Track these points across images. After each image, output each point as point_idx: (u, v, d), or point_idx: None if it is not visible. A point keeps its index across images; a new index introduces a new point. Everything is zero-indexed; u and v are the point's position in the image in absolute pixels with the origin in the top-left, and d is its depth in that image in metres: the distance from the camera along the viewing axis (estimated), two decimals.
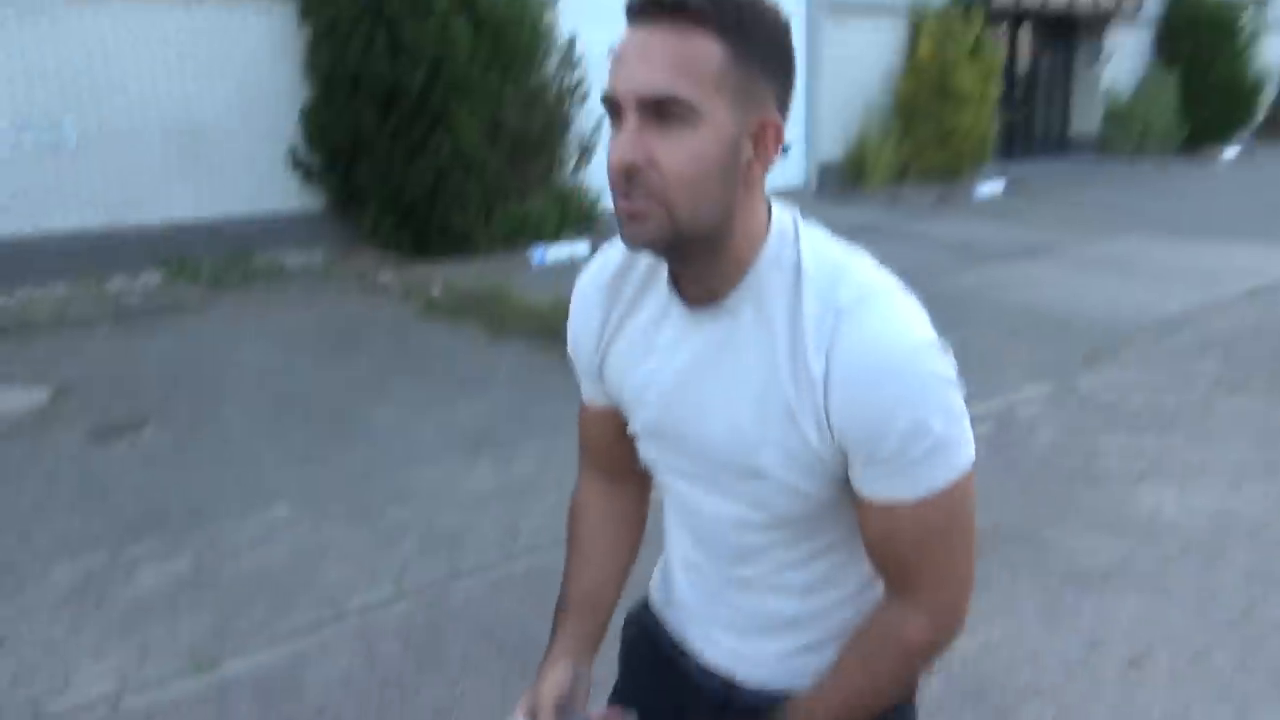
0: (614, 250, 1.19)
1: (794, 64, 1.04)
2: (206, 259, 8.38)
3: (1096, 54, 17.89)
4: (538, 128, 9.29)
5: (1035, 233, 10.17)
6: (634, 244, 1.00)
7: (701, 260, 1.03)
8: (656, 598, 1.38)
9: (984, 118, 14.08)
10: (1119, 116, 17.63)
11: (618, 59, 0.97)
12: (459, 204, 8.70)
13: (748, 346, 1.05)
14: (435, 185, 8.52)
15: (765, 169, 1.02)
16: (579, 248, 9.19)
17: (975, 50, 13.96)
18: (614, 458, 1.31)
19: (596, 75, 10.14)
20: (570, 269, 8.90)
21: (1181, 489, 4.03)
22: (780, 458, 1.04)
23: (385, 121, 8.42)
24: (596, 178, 10.27)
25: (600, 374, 1.22)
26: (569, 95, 9.77)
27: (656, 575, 1.39)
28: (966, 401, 1.02)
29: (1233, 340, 6.18)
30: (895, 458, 0.99)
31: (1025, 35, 17.44)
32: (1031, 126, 17.83)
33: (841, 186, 13.46)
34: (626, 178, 0.96)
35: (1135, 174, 15.56)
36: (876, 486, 1.02)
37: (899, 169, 13.86)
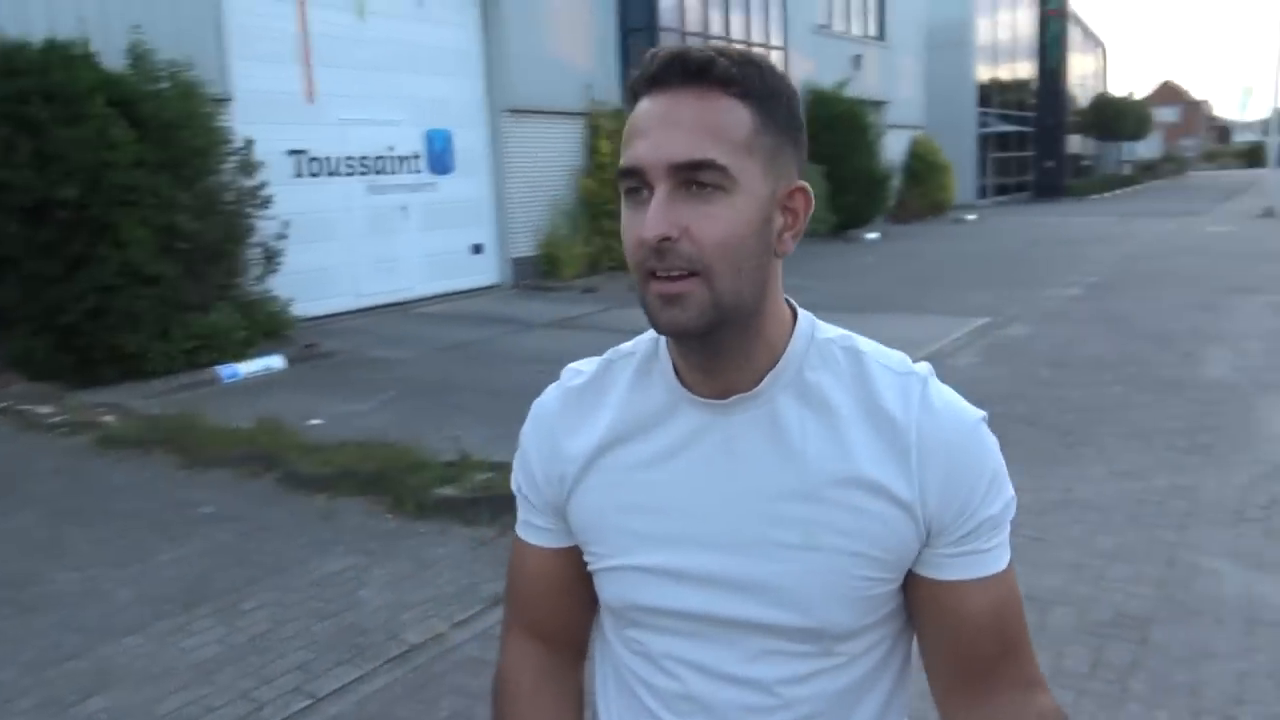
0: (581, 364, 1.09)
1: (805, 133, 0.97)
2: None
3: None
4: (216, 235, 8.59)
5: None
6: (672, 329, 0.91)
7: (735, 345, 0.95)
8: None
9: None
10: None
11: (636, 131, 0.90)
12: (129, 322, 7.79)
13: (795, 434, 0.95)
14: (100, 303, 7.59)
15: (796, 239, 0.97)
16: (273, 360, 8.51)
17: None
18: (554, 613, 1.11)
19: (274, 177, 9.62)
20: (267, 385, 8.30)
21: None
22: (845, 543, 0.94)
23: (35, 235, 7.42)
24: (284, 285, 9.68)
25: (566, 506, 1.05)
26: (248, 200, 9.16)
27: None
28: None
29: None
30: (992, 525, 0.95)
31: None
32: None
33: (536, 282, 13.58)
34: (658, 253, 0.88)
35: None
36: (978, 561, 0.95)
37: (590, 262, 14.23)
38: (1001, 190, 36.02)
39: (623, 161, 0.91)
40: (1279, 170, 27.42)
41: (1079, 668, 3.30)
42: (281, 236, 9.54)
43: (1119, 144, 49.48)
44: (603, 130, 14.33)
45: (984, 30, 34.89)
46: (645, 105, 0.91)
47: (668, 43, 11.99)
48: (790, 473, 0.95)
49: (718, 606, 0.97)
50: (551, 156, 14.11)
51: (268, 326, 9.21)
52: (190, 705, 3.17)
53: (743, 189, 0.89)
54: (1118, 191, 39.15)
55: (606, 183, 14.27)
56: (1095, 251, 16.64)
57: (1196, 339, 8.80)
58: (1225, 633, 3.51)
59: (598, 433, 1.02)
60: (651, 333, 1.02)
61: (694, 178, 0.87)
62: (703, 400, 0.98)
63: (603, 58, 15.03)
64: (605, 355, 1.08)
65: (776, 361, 0.97)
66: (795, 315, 1.01)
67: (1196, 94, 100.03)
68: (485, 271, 13.41)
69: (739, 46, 0.95)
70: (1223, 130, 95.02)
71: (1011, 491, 0.97)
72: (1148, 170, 51.99)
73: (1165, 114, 74.96)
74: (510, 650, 1.12)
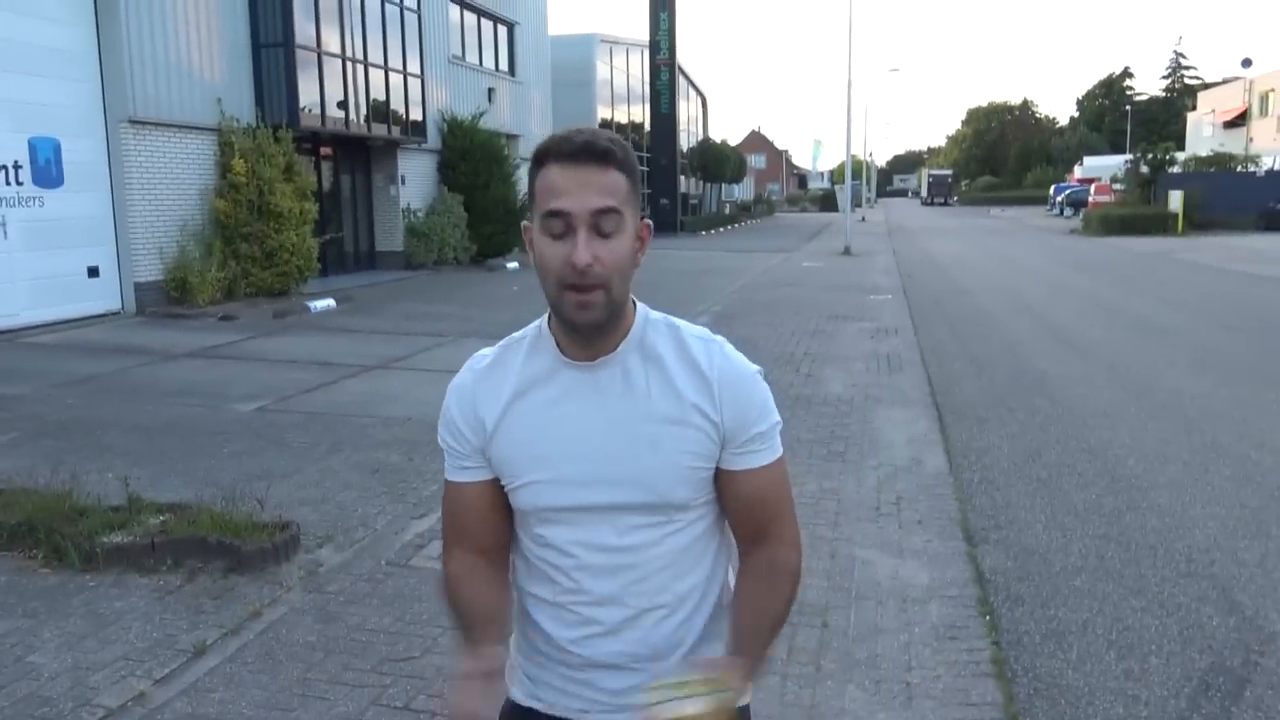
0: (482, 352, 1.52)
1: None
2: None
3: (392, 178, 19.26)
4: None
5: (384, 346, 10.52)
6: (587, 325, 1.35)
7: (609, 328, 1.40)
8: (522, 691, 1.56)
9: (305, 236, 14.24)
10: (418, 233, 19.16)
11: (560, 189, 1.32)
12: None
13: (640, 379, 1.42)
14: None
15: (642, 257, 1.42)
16: None
17: (289, 171, 14.10)
18: (489, 529, 1.51)
19: None
20: None
21: None
22: (678, 445, 1.41)
23: None
24: None
25: (488, 448, 1.46)
26: None
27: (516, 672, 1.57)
28: None
29: None
30: (764, 435, 1.46)
31: (329, 159, 18.10)
32: (343, 243, 18.48)
33: (165, 308, 12.48)
34: (582, 273, 1.30)
35: (442, 284, 16.98)
36: (755, 457, 1.46)
37: (226, 287, 13.31)
38: None
39: (552, 205, 1.31)
40: (851, 215, 31.63)
41: (778, 655, 3.68)
42: None
43: (720, 185, 54.32)
44: (236, 148, 13.50)
45: (602, 72, 37.03)
46: (563, 172, 1.32)
47: (307, 60, 11.79)
48: (639, 405, 1.42)
49: (597, 497, 1.42)
50: (180, 173, 13.09)
51: None
52: None
53: (627, 228, 1.35)
54: (723, 229, 43.02)
55: (241, 203, 13.45)
56: (715, 282, 18.21)
57: (814, 361, 9.97)
58: (887, 611, 4.07)
59: (506, 392, 1.45)
60: (536, 323, 1.49)
61: (601, 221, 1.31)
62: (577, 363, 1.43)
63: (235, 71, 14.20)
64: (501, 343, 1.51)
65: (627, 334, 1.43)
66: (634, 304, 1.46)
67: (780, 144, 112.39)
68: (104, 297, 12.12)
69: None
70: (801, 177, 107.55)
71: (777, 416, 1.48)
72: (745, 210, 57.63)
73: (755, 160, 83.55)
74: (455, 562, 1.50)
